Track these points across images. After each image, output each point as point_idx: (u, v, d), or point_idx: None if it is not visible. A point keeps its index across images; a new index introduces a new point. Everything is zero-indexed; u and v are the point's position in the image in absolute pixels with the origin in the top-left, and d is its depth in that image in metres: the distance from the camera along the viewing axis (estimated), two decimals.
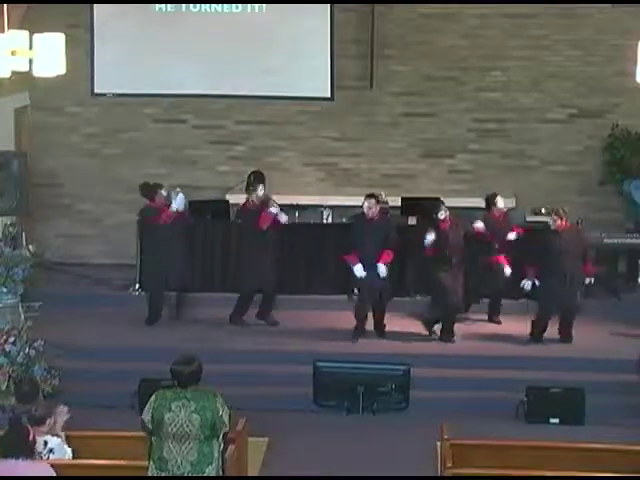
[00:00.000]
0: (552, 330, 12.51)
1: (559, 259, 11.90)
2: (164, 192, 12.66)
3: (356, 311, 12.18)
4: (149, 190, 12.78)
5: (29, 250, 13.84)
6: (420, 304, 13.24)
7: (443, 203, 12.41)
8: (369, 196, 12.26)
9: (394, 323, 12.67)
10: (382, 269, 12.06)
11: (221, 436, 7.36)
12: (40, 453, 7.83)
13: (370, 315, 12.29)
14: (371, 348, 11.98)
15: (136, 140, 15.29)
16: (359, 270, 12.01)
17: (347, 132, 15.28)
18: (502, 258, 12.47)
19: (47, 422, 8.21)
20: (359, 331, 12.18)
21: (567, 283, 11.89)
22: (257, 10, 14.64)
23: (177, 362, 7.34)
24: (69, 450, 8.23)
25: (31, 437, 7.23)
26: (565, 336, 12.17)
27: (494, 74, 15.10)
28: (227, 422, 7.38)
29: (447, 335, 12.24)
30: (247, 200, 12.78)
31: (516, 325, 12.77)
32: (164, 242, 12.46)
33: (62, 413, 8.37)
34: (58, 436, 8.22)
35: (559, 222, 12.01)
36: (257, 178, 14.82)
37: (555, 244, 11.96)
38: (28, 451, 7.13)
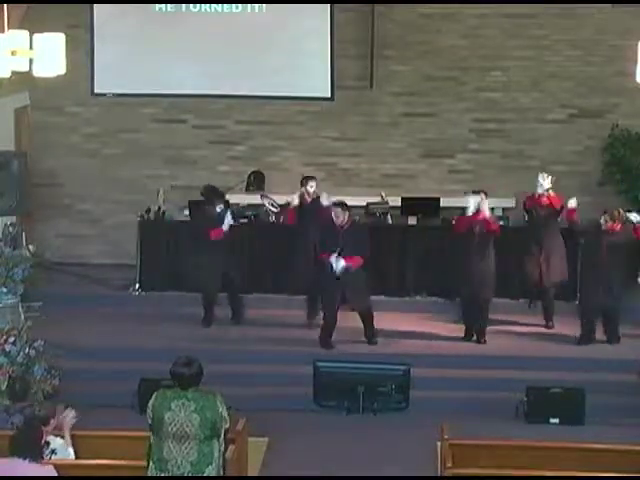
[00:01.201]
0: (553, 329, 12.54)
1: (601, 259, 11.86)
2: (218, 209, 12.56)
3: (326, 316, 12.03)
4: (212, 197, 12.69)
5: (29, 250, 13.83)
6: (420, 304, 13.28)
7: (485, 194, 12.24)
8: (336, 204, 12.12)
9: (394, 323, 12.68)
10: (340, 264, 11.79)
11: (222, 434, 7.37)
12: (42, 453, 7.84)
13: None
14: (371, 348, 11.97)
15: (136, 140, 15.29)
16: (335, 261, 11.79)
17: (347, 132, 15.28)
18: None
19: (51, 422, 8.23)
20: (327, 337, 12.00)
21: (608, 283, 11.84)
22: (257, 10, 14.64)
23: (177, 364, 7.31)
24: (72, 451, 8.24)
25: (43, 440, 7.25)
26: (610, 337, 12.12)
27: (494, 74, 15.11)
28: (227, 418, 7.38)
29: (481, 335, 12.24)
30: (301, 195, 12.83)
31: (516, 325, 12.80)
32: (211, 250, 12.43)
33: (70, 415, 8.39)
34: (62, 437, 8.23)
35: (609, 224, 11.91)
36: (257, 178, 14.88)
37: (599, 244, 11.91)
38: (36, 452, 7.15)
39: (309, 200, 12.86)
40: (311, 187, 12.86)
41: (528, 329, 12.69)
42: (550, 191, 12.56)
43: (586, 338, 12.06)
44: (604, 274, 11.84)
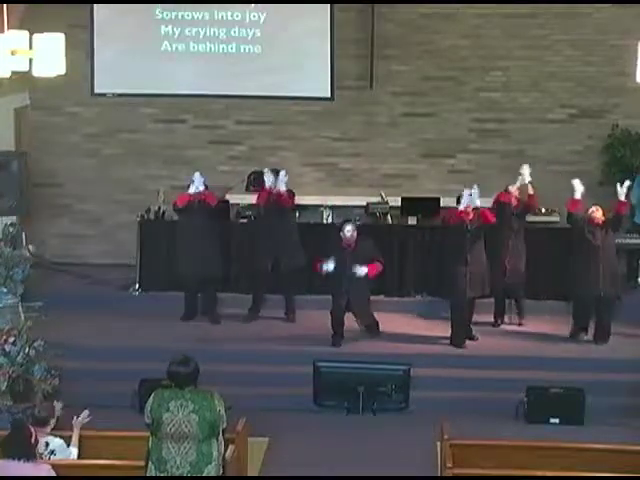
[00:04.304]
0: (551, 328, 12.54)
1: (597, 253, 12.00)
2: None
3: (332, 316, 12.08)
4: None
5: (29, 250, 13.82)
6: (420, 304, 13.28)
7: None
8: (347, 221, 12.17)
9: (394, 323, 12.68)
10: (362, 270, 11.87)
11: (221, 433, 7.37)
12: (41, 454, 7.84)
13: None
14: (371, 348, 11.97)
15: (136, 140, 15.29)
16: (329, 265, 11.90)
17: (347, 132, 15.28)
18: None
19: (50, 423, 8.25)
20: (338, 335, 12.08)
21: (601, 279, 11.93)
22: (256, 18, 14.68)
23: (173, 363, 7.33)
24: (75, 451, 8.24)
25: (33, 439, 7.25)
26: (597, 336, 12.18)
27: (494, 74, 15.10)
28: (225, 418, 7.40)
29: (458, 338, 12.14)
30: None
31: (515, 325, 12.80)
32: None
33: (82, 415, 8.46)
34: (62, 437, 8.24)
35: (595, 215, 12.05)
36: (257, 178, 14.85)
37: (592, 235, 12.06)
38: (30, 452, 7.16)
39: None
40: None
41: (528, 329, 12.69)
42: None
43: (576, 335, 12.18)
44: (596, 269, 11.92)
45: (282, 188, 12.72)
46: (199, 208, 12.66)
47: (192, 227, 12.62)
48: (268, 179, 12.81)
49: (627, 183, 12.18)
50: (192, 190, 12.68)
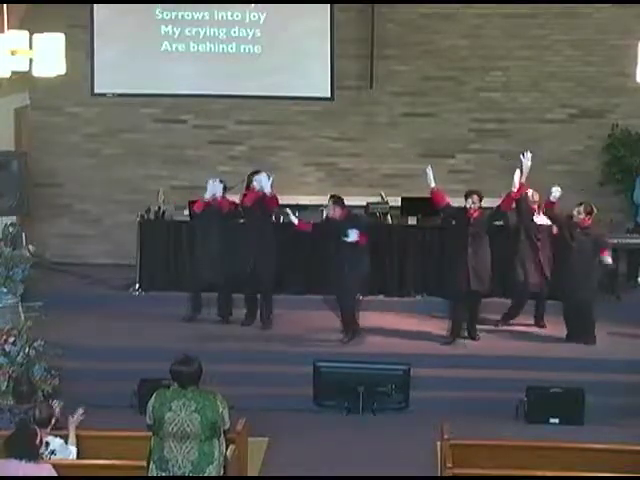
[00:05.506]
0: (550, 329, 12.54)
1: (572, 255, 11.92)
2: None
3: (344, 309, 12.11)
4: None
5: (29, 250, 13.82)
6: (420, 304, 13.28)
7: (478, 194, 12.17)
8: (330, 197, 12.22)
9: (394, 323, 12.68)
10: (354, 234, 11.78)
11: (222, 434, 7.38)
12: (42, 454, 7.84)
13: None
14: (371, 348, 11.98)
15: (136, 140, 15.29)
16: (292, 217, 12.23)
17: (347, 132, 15.28)
18: None
19: (51, 423, 8.26)
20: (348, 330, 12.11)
21: (579, 280, 11.85)
22: (256, 18, 14.67)
23: (177, 362, 7.35)
24: (74, 450, 8.25)
25: (38, 439, 7.27)
26: (585, 336, 12.09)
27: (494, 74, 15.10)
28: (227, 419, 7.40)
29: (451, 334, 12.15)
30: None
31: (516, 325, 12.80)
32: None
33: (77, 413, 8.46)
34: (62, 437, 8.25)
35: (582, 217, 11.89)
36: None
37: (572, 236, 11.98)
38: (33, 453, 7.16)
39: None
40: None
41: (528, 329, 12.68)
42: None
43: (571, 335, 12.14)
44: (576, 268, 11.88)
45: (267, 190, 12.56)
46: (215, 212, 12.61)
47: (211, 230, 12.55)
48: (265, 182, 12.67)
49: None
50: (209, 195, 12.62)
